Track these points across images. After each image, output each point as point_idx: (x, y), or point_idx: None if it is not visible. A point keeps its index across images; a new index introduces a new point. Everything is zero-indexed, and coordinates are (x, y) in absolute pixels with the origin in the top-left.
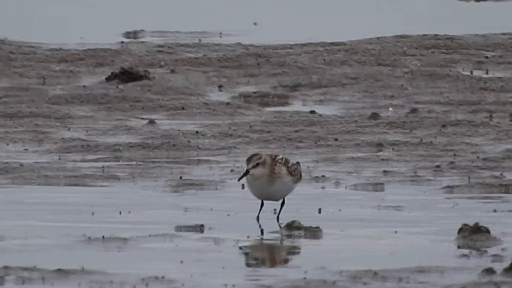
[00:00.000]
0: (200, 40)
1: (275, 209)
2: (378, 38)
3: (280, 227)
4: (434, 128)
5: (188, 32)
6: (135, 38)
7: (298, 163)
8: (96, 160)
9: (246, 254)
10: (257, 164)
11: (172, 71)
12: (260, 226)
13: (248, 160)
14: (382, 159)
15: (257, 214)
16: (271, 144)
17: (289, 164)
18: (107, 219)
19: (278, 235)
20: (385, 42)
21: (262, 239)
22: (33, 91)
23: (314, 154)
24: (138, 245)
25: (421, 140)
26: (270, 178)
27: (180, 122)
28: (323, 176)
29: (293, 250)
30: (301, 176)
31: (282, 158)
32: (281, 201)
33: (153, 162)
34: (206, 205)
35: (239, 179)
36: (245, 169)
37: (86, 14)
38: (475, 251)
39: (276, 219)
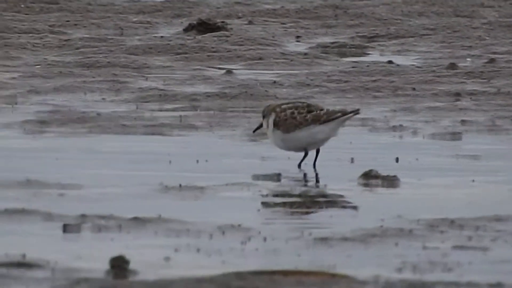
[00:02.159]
0: None
1: (352, 158)
2: None
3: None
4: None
5: None
6: None
7: (311, 111)
8: (173, 110)
9: (322, 203)
10: (263, 117)
11: (250, 22)
12: (338, 174)
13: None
14: (460, 109)
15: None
16: (349, 94)
17: (281, 114)
18: (184, 168)
19: (355, 184)
20: None
21: (339, 188)
22: (110, 42)
23: (391, 104)
24: (215, 194)
25: (499, 90)
26: (267, 128)
27: (258, 72)
28: (401, 125)
29: (370, 199)
30: (303, 122)
31: (282, 107)
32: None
33: (231, 111)
34: (283, 154)
35: (254, 131)
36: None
37: None
38: None
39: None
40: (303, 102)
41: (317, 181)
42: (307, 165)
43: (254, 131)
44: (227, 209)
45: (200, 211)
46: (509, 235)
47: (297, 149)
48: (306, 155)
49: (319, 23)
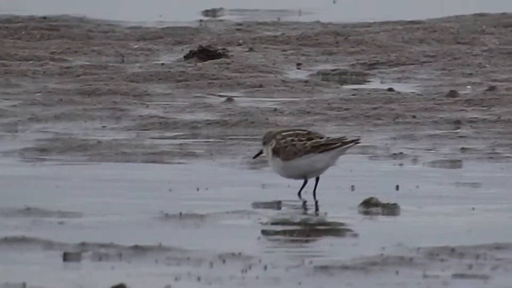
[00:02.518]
0: (278, 18)
1: (352, 186)
2: (456, 16)
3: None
4: None
5: (267, 10)
6: (213, 16)
7: (311, 138)
8: (174, 137)
9: (322, 231)
10: (264, 144)
11: (251, 49)
12: (338, 202)
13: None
14: (460, 136)
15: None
16: (349, 121)
17: (281, 142)
18: (185, 196)
19: (355, 211)
20: (463, 21)
21: (339, 216)
22: (111, 69)
23: (392, 131)
24: (215, 222)
25: (499, 117)
26: (268, 156)
27: (258, 100)
28: (401, 153)
29: (371, 227)
30: (302, 150)
31: (282, 135)
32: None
33: (231, 139)
34: (284, 182)
35: (254, 157)
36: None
37: None
38: None
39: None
40: (304, 130)
41: (317, 209)
42: (307, 193)
43: (254, 158)
44: (227, 237)
45: (201, 239)
46: (510, 264)
47: (296, 177)
48: (305, 183)
49: (320, 50)
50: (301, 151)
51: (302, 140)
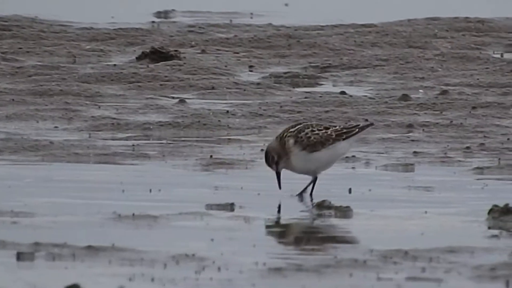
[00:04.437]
0: (231, 20)
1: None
2: (409, 20)
3: (312, 205)
4: (464, 110)
5: (219, 12)
6: (166, 18)
7: (328, 127)
8: (126, 139)
9: (276, 233)
10: (277, 163)
11: (203, 51)
12: (291, 204)
13: (270, 164)
14: (412, 140)
15: (307, 191)
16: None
17: (302, 134)
18: (138, 197)
19: (308, 214)
20: (416, 24)
21: (292, 218)
22: (63, 70)
23: None
24: (168, 223)
25: (451, 121)
26: (287, 158)
27: (211, 102)
28: (354, 156)
29: (323, 229)
30: (330, 139)
31: (295, 129)
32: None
33: (183, 140)
34: (236, 184)
35: (279, 186)
36: (275, 173)
37: None
38: (505, 232)
39: (309, 197)
40: (308, 121)
41: (270, 210)
42: (261, 196)
43: (280, 187)
44: (180, 239)
45: (154, 240)
46: (462, 267)
47: (320, 169)
48: (315, 180)
49: (272, 52)
50: (328, 141)
51: (321, 130)
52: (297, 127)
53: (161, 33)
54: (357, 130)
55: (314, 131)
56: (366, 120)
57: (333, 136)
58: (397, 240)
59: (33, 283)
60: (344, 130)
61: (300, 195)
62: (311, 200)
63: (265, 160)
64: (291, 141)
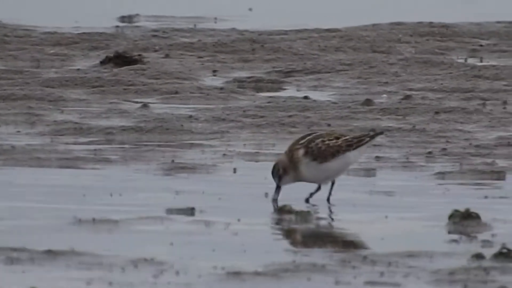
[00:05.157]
0: (195, 25)
1: (266, 193)
2: (373, 25)
3: (274, 209)
4: (427, 114)
5: (183, 17)
6: (130, 22)
7: (338, 137)
8: (88, 143)
9: (236, 237)
10: (280, 177)
11: (167, 56)
12: (252, 209)
13: (274, 177)
14: (375, 145)
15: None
16: (264, 129)
17: (312, 145)
18: (98, 202)
19: (269, 219)
20: (380, 29)
21: (253, 223)
22: (27, 74)
23: None
24: (128, 227)
25: (414, 126)
26: (296, 170)
27: (174, 106)
28: None
29: (284, 234)
30: (340, 150)
31: (306, 140)
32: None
33: (146, 145)
34: (198, 189)
35: (275, 198)
36: (276, 185)
37: None
38: (465, 236)
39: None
40: (320, 131)
41: (231, 215)
42: (222, 200)
43: (275, 201)
44: (140, 243)
45: (113, 245)
46: (421, 271)
47: (330, 179)
48: (333, 185)
49: (236, 57)
50: (338, 151)
51: (331, 140)
52: (307, 138)
53: (125, 38)
54: (367, 139)
55: (325, 141)
56: (329, 125)
57: (343, 147)
58: (357, 244)
59: None
60: (355, 140)
61: (307, 200)
62: (329, 204)
63: (271, 171)
64: (301, 151)
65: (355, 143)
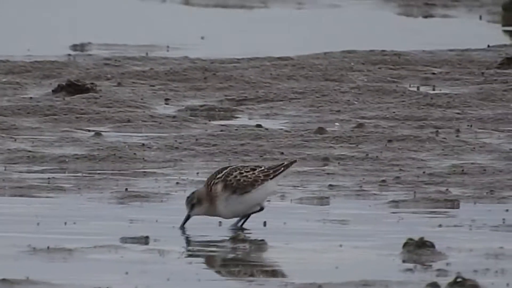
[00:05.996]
0: (147, 53)
1: (220, 222)
2: (325, 53)
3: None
4: (380, 143)
5: (135, 45)
6: (82, 50)
7: (254, 168)
8: (41, 171)
9: (191, 266)
10: (193, 205)
11: (119, 84)
12: (205, 238)
13: (187, 204)
14: (328, 173)
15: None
16: (217, 157)
17: (230, 178)
18: (52, 230)
19: (223, 247)
20: (332, 57)
21: (207, 251)
22: None
23: None
24: (83, 256)
25: (367, 154)
26: (211, 204)
27: (126, 135)
28: None
29: (238, 263)
30: (258, 180)
31: (223, 174)
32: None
33: (99, 173)
34: (152, 217)
35: (182, 225)
36: (186, 215)
37: (33, 26)
38: (420, 265)
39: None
40: (232, 165)
41: (185, 244)
42: (175, 228)
43: (182, 226)
44: (95, 272)
45: (69, 274)
46: None
47: (250, 210)
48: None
49: (188, 85)
50: (257, 181)
51: (248, 172)
52: (223, 172)
53: (77, 66)
54: (282, 168)
55: (242, 173)
56: (282, 153)
57: (261, 177)
58: (312, 273)
59: None
60: (271, 171)
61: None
62: (241, 230)
63: (186, 199)
64: (220, 185)
65: (272, 173)
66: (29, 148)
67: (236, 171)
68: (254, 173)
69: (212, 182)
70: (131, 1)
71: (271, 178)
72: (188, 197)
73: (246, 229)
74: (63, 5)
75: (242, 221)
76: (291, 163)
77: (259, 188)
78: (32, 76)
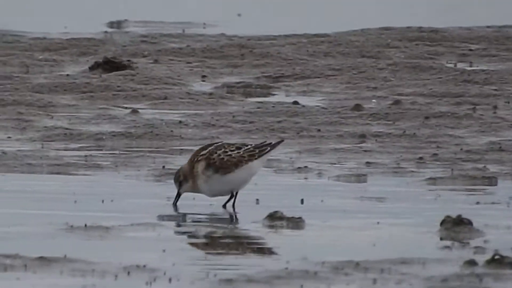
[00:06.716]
0: (183, 30)
1: (257, 199)
2: (362, 30)
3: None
4: (417, 120)
5: (172, 22)
6: (118, 28)
7: (240, 147)
8: (78, 149)
9: (227, 244)
10: (180, 183)
11: (156, 61)
12: (241, 216)
13: (175, 182)
14: (365, 151)
15: (225, 203)
16: (254, 134)
17: (214, 156)
18: (90, 208)
19: (260, 225)
20: (369, 34)
21: (244, 229)
22: (16, 80)
23: (296, 145)
24: (120, 234)
25: (404, 131)
26: (194, 182)
27: (163, 112)
28: (306, 167)
29: (276, 240)
30: (243, 160)
31: (207, 151)
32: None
33: (136, 151)
34: (188, 196)
35: (175, 203)
36: (176, 192)
37: (70, 3)
38: (457, 243)
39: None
40: (216, 142)
41: (222, 222)
42: (213, 206)
43: (175, 204)
44: (132, 250)
45: (106, 251)
46: (414, 278)
47: (235, 189)
48: (232, 196)
49: (225, 62)
50: (241, 162)
51: (233, 150)
52: (208, 149)
53: (113, 43)
54: (268, 148)
55: (227, 152)
56: (319, 130)
57: (246, 157)
58: (349, 251)
59: None
60: (256, 150)
61: (224, 206)
62: (234, 211)
63: (173, 177)
64: (202, 164)
65: (258, 153)
66: (66, 126)
67: (220, 149)
68: (239, 153)
69: (196, 159)
70: None
71: (256, 158)
72: (174, 176)
73: (284, 207)
74: None
75: (233, 200)
76: (278, 143)
77: (243, 168)
78: (69, 53)
